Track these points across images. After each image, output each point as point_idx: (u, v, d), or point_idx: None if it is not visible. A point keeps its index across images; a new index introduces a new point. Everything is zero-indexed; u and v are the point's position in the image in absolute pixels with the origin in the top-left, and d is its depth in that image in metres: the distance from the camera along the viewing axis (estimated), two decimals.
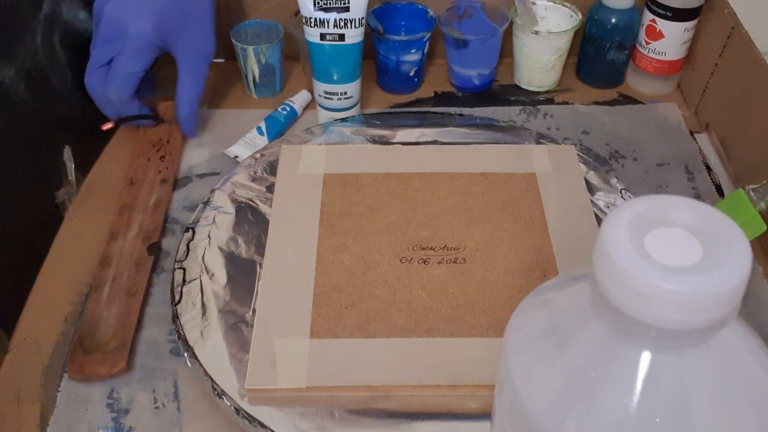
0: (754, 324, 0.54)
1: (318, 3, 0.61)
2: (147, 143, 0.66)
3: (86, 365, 0.49)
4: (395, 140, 0.63)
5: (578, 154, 0.60)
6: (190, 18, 0.62)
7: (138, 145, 0.66)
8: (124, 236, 0.57)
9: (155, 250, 0.56)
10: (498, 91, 0.74)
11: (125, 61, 0.60)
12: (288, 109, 0.69)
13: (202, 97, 0.72)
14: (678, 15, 0.67)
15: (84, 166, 0.64)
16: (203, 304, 0.50)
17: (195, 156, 0.66)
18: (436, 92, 0.74)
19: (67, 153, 0.61)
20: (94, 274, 0.54)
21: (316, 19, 0.61)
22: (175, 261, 0.53)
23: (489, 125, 0.65)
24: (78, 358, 0.49)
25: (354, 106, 0.67)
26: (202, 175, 0.64)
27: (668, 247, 0.24)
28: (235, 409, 0.45)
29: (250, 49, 0.68)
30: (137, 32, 0.60)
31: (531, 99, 0.73)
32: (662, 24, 0.68)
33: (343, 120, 0.66)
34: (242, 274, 0.52)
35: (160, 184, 0.62)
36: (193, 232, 0.55)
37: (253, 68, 0.70)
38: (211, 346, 0.48)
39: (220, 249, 0.54)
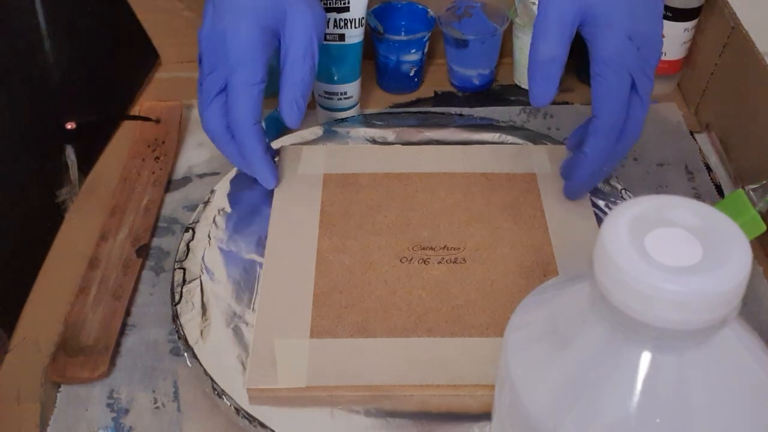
0: (754, 324, 0.54)
1: None
2: (143, 143, 0.66)
3: (68, 368, 0.49)
4: (395, 140, 0.63)
5: None
6: None
7: (134, 145, 0.66)
8: (114, 238, 0.57)
9: (144, 252, 0.56)
10: (498, 91, 0.74)
11: (239, 76, 0.51)
12: None
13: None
14: (678, 15, 0.67)
15: (86, 166, 0.64)
16: (203, 304, 0.50)
17: (195, 156, 0.66)
18: (436, 92, 0.74)
19: (70, 152, 0.61)
20: (82, 276, 0.54)
21: None
22: (175, 261, 0.53)
23: (489, 125, 0.64)
24: (60, 361, 0.49)
25: (354, 106, 0.67)
26: (202, 175, 0.64)
27: (668, 247, 0.24)
28: (235, 409, 0.45)
29: None
30: (241, 39, 0.51)
31: None
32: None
33: (343, 120, 0.66)
34: (242, 274, 0.52)
35: (152, 185, 0.62)
36: (193, 232, 0.55)
37: None
38: (211, 346, 0.48)
39: (220, 249, 0.54)
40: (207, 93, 0.52)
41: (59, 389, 0.49)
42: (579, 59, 0.75)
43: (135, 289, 0.54)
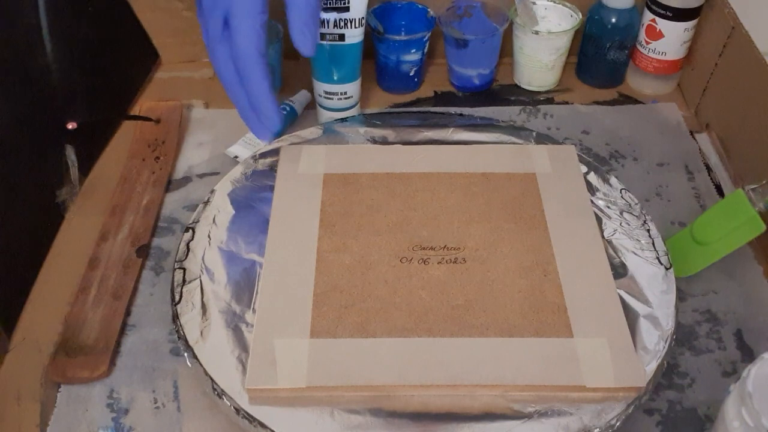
0: (754, 324, 0.54)
1: None
2: (143, 143, 0.66)
3: (68, 368, 0.49)
4: (395, 140, 0.63)
5: (578, 154, 0.60)
6: None
7: (134, 145, 0.66)
8: (114, 238, 0.57)
9: (144, 252, 0.56)
10: (498, 91, 0.74)
11: (240, 8, 0.49)
12: (288, 109, 0.69)
13: (202, 95, 0.72)
14: (678, 15, 0.67)
15: (86, 166, 0.64)
16: (203, 304, 0.50)
17: (195, 156, 0.66)
18: (436, 92, 0.74)
19: (70, 152, 0.61)
20: (82, 276, 0.54)
21: None
22: (175, 261, 0.53)
23: (489, 125, 0.64)
24: (60, 361, 0.49)
25: (354, 106, 0.67)
26: (202, 175, 0.64)
27: None
28: (235, 409, 0.45)
29: None
30: None
31: (531, 99, 0.73)
32: (662, 24, 0.68)
33: (343, 120, 0.66)
34: (242, 274, 0.52)
35: (152, 185, 0.62)
36: (193, 232, 0.55)
37: None
38: (211, 346, 0.48)
39: (220, 249, 0.54)
40: (214, 31, 0.51)
41: (59, 389, 0.49)
42: (579, 59, 0.75)
43: (135, 289, 0.54)
